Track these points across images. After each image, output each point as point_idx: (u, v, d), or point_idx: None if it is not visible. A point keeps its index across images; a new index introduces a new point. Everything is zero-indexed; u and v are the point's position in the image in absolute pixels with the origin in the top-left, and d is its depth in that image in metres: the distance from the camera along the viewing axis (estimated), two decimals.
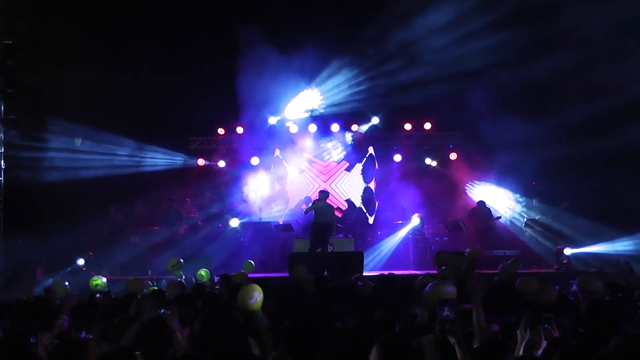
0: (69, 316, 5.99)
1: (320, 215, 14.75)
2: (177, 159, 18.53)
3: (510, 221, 17.66)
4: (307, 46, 16.48)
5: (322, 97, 18.43)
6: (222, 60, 17.17)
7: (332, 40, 16.48)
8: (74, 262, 14.82)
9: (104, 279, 10.08)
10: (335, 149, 18.84)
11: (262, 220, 17.16)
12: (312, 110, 18.47)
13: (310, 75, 17.61)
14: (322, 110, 18.50)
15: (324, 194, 15.15)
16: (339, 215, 17.69)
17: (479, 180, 18.30)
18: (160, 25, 16.60)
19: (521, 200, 17.56)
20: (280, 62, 16.81)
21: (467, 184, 18.32)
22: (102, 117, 16.68)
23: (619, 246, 14.64)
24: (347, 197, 18.82)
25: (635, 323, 5.41)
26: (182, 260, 11.58)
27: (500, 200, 17.98)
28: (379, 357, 3.75)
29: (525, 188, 17.63)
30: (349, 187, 18.89)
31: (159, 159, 18.19)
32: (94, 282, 9.72)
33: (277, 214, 17.83)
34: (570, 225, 16.18)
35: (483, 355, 4.15)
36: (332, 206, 15.69)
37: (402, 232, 16.75)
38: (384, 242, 16.77)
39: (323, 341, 4.32)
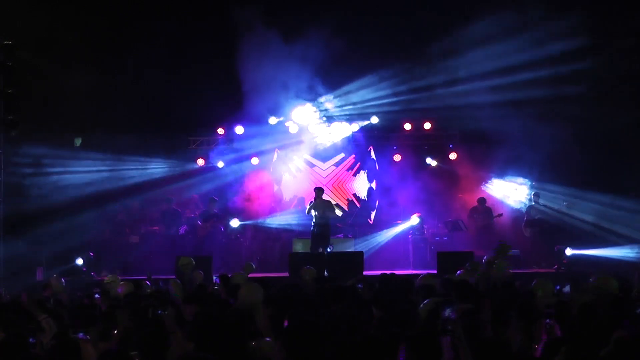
0: (66, 316, 5.99)
1: (321, 214, 14.70)
2: (177, 160, 18.48)
3: (513, 219, 17.57)
4: (308, 46, 16.45)
5: (327, 100, 18.34)
6: (222, 59, 17.12)
7: (333, 40, 16.42)
8: (73, 261, 14.81)
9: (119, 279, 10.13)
10: (336, 149, 18.78)
11: (266, 223, 17.09)
12: (329, 117, 18.38)
13: (311, 74, 17.51)
14: (335, 113, 18.41)
15: (319, 191, 15.11)
16: (340, 213, 17.72)
17: (480, 179, 18.24)
18: (159, 25, 16.57)
19: (527, 197, 17.49)
20: (280, 61, 16.77)
21: (484, 183, 18.17)
22: (102, 117, 16.68)
23: (623, 251, 14.52)
24: (348, 197, 18.77)
25: (635, 323, 5.40)
26: (193, 261, 11.56)
27: (509, 194, 17.89)
28: (409, 354, 3.72)
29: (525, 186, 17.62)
30: (351, 187, 18.84)
31: (159, 161, 18.12)
32: (109, 281, 9.84)
33: (280, 218, 17.73)
34: (571, 225, 16.12)
35: (483, 354, 4.14)
36: (331, 201, 15.63)
37: (398, 229, 16.74)
38: (379, 236, 16.74)
39: (323, 342, 4.30)
